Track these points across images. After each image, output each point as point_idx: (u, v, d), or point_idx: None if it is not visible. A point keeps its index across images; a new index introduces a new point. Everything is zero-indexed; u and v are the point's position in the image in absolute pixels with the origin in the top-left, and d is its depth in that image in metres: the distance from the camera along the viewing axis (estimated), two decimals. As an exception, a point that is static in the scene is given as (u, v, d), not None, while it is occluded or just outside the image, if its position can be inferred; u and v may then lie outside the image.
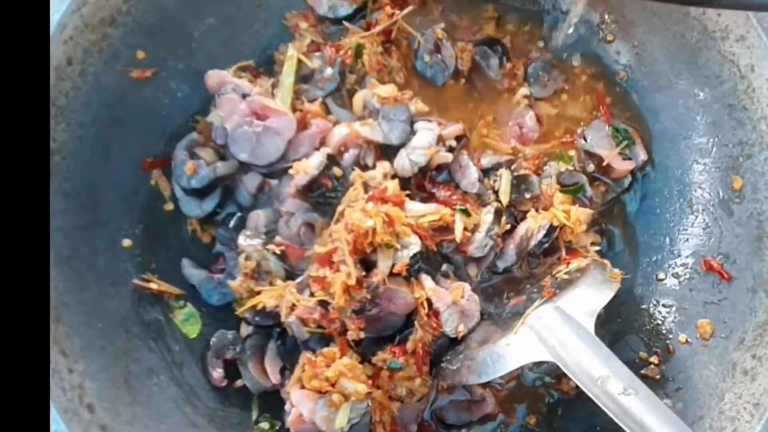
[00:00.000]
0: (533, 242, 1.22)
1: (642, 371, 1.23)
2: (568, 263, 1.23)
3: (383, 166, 1.21)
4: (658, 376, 1.22)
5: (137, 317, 1.22)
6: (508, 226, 1.24)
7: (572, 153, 1.32)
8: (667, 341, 1.25)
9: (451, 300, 1.15)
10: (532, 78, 1.37)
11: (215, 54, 1.29)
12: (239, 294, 1.21)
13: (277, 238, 1.22)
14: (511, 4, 1.37)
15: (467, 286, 1.18)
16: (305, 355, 1.14)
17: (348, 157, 1.23)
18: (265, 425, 1.24)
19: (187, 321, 1.27)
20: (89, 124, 1.17)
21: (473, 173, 1.25)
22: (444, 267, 1.21)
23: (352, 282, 1.08)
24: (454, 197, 1.23)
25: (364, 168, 1.22)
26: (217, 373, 1.25)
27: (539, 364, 1.26)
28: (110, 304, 1.18)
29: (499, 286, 1.28)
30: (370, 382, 1.11)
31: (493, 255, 1.24)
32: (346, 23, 1.33)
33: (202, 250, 1.31)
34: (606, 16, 1.33)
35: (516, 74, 1.37)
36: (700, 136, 1.26)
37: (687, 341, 1.22)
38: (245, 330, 1.26)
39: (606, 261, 1.23)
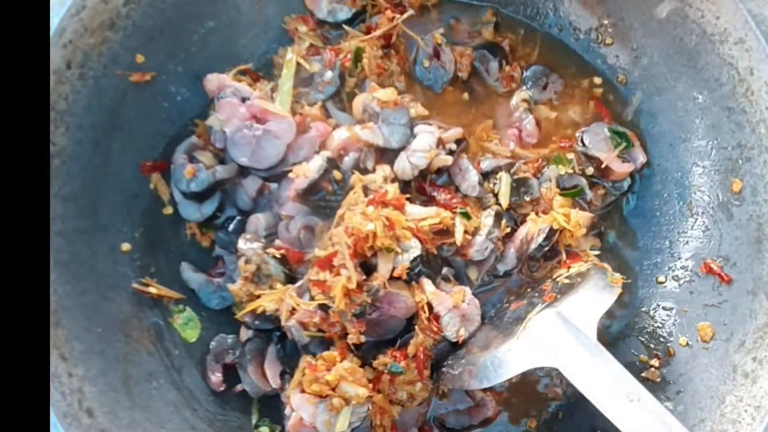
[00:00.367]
0: (533, 246, 1.22)
1: (642, 374, 1.23)
2: (569, 267, 1.23)
3: (383, 169, 1.21)
4: (658, 379, 1.22)
5: (137, 321, 1.21)
6: (509, 230, 1.24)
7: (571, 156, 1.32)
8: (668, 344, 1.24)
9: (452, 304, 1.15)
10: (530, 81, 1.37)
11: (215, 58, 1.29)
12: (239, 298, 1.21)
13: (277, 242, 1.22)
14: (513, 17, 1.38)
15: (468, 290, 1.18)
16: (305, 359, 1.14)
17: (348, 160, 1.22)
18: (265, 429, 1.23)
19: (187, 325, 1.27)
20: (88, 127, 1.16)
21: (473, 176, 1.25)
22: (444, 270, 1.21)
23: (352, 286, 1.07)
24: (455, 200, 1.22)
25: (364, 171, 1.22)
26: (216, 377, 1.24)
27: (541, 368, 1.25)
28: (110, 308, 1.18)
29: (499, 291, 1.28)
30: (370, 386, 1.11)
31: (493, 258, 1.24)
32: (345, 27, 1.33)
33: (202, 253, 1.31)
34: (605, 20, 1.34)
35: (513, 77, 1.37)
36: (699, 139, 1.26)
37: (687, 344, 1.22)
38: (245, 334, 1.26)
39: (607, 266, 1.23)
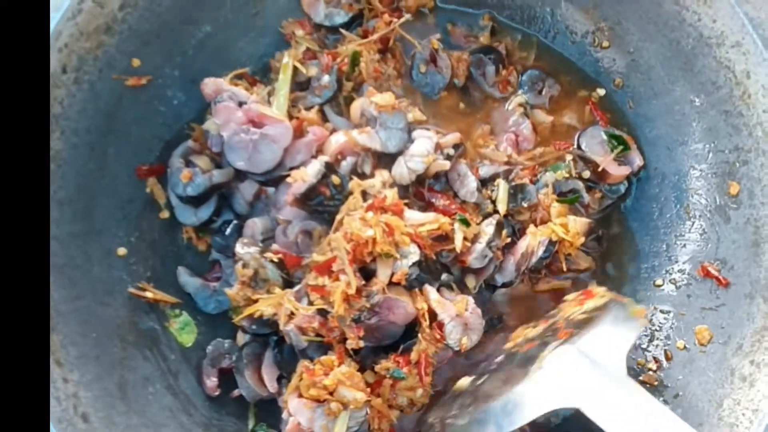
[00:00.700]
0: (534, 259, 1.22)
1: (640, 378, 1.23)
2: (583, 303, 1.18)
3: (382, 174, 1.21)
4: (656, 383, 1.22)
5: (132, 326, 1.21)
6: (509, 240, 1.24)
7: (568, 158, 1.32)
8: (666, 347, 1.24)
9: (456, 312, 1.14)
10: (527, 86, 1.37)
11: (211, 62, 1.29)
12: (236, 302, 1.20)
13: (275, 246, 1.22)
14: (509, 22, 1.39)
15: (471, 299, 1.18)
16: (303, 364, 1.13)
17: (345, 165, 1.22)
18: (261, 434, 1.23)
19: (183, 330, 1.26)
20: (84, 132, 1.16)
21: (472, 182, 1.24)
22: (444, 277, 1.20)
23: (352, 291, 1.07)
24: (453, 206, 1.22)
25: (362, 176, 1.22)
26: (211, 381, 1.23)
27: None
28: (105, 312, 1.17)
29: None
30: (369, 390, 1.10)
31: (492, 267, 1.23)
32: (342, 31, 1.33)
33: (198, 258, 1.31)
34: (601, 23, 1.34)
35: (510, 81, 1.37)
36: (696, 142, 1.27)
37: (685, 347, 1.22)
38: (242, 338, 1.25)
39: (627, 298, 1.17)
